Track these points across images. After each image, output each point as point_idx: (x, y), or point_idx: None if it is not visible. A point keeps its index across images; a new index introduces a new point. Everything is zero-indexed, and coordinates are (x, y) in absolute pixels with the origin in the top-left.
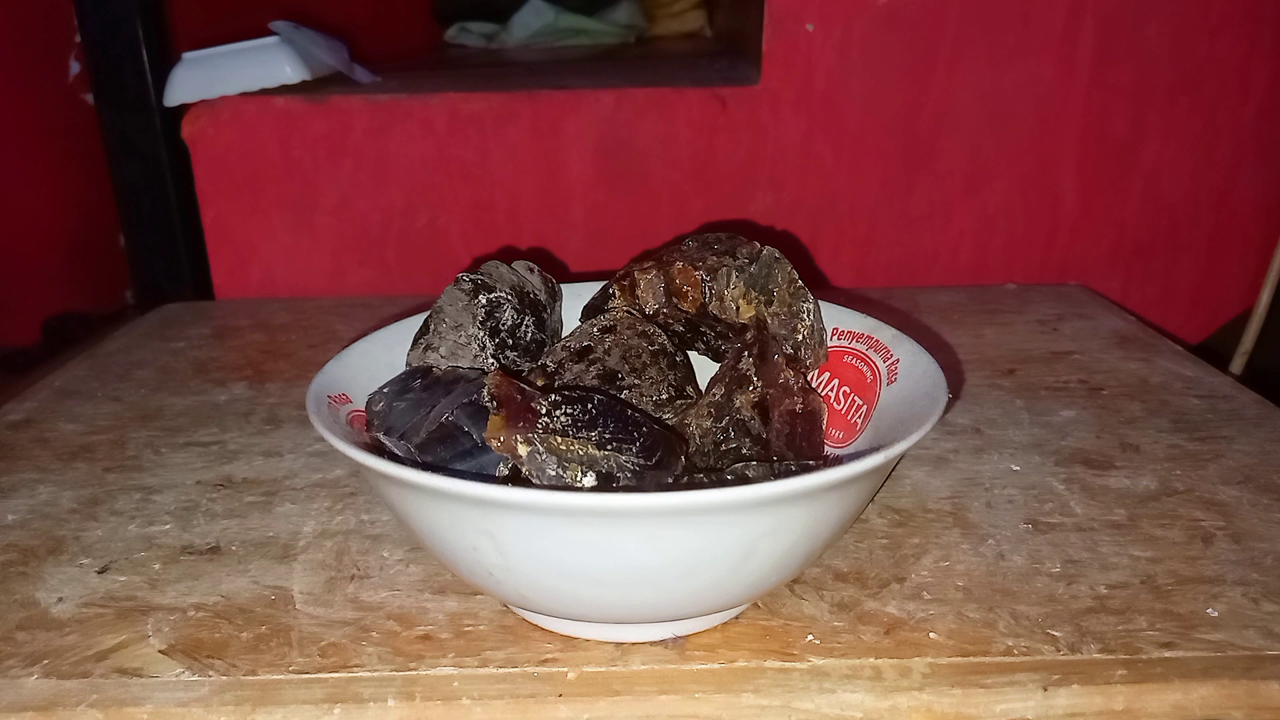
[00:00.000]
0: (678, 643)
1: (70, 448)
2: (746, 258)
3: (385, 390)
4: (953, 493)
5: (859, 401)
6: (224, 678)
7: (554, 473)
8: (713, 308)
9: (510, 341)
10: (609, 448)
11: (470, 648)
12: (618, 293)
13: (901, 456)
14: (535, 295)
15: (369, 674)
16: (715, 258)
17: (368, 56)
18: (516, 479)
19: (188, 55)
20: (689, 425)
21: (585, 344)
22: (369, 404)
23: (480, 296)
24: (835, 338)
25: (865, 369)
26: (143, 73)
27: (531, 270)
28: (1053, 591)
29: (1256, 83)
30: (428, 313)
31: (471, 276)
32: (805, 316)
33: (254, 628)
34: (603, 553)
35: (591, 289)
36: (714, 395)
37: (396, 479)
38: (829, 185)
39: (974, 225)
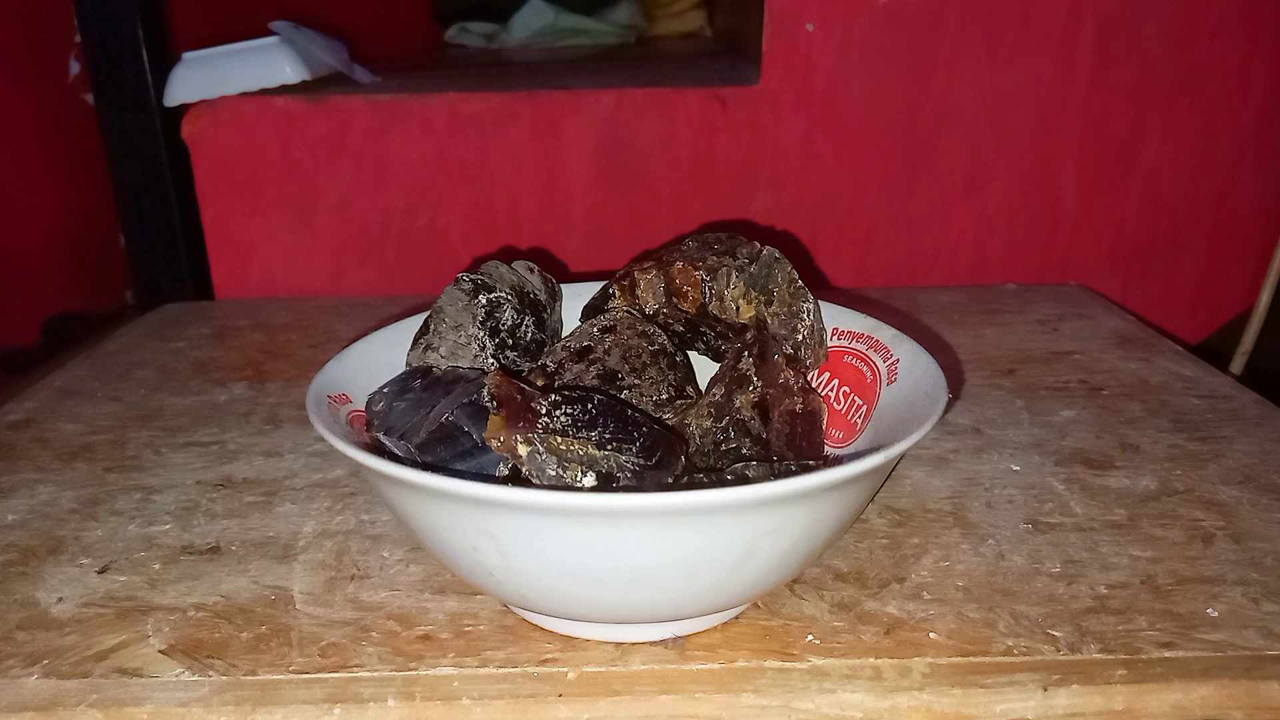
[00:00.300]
0: (678, 643)
1: (70, 448)
2: (746, 258)
3: (385, 390)
4: (953, 493)
5: (859, 401)
6: (224, 678)
7: (554, 473)
8: (713, 308)
9: (510, 341)
10: (609, 448)
11: (470, 648)
12: (618, 293)
13: (901, 456)
14: (535, 295)
15: (369, 674)
16: (715, 258)
17: (368, 56)
18: (516, 479)
19: (188, 55)
20: (689, 425)
21: (585, 344)
22: (369, 404)
23: (480, 296)
24: (835, 338)
25: (865, 369)
26: (143, 73)
27: (531, 270)
28: (1053, 591)
29: (1256, 83)
30: (428, 313)
31: (471, 276)
32: (805, 316)
33: (254, 628)
34: (603, 553)
35: (591, 289)
36: (714, 395)
37: (396, 479)
38: (829, 185)
39: (974, 225)
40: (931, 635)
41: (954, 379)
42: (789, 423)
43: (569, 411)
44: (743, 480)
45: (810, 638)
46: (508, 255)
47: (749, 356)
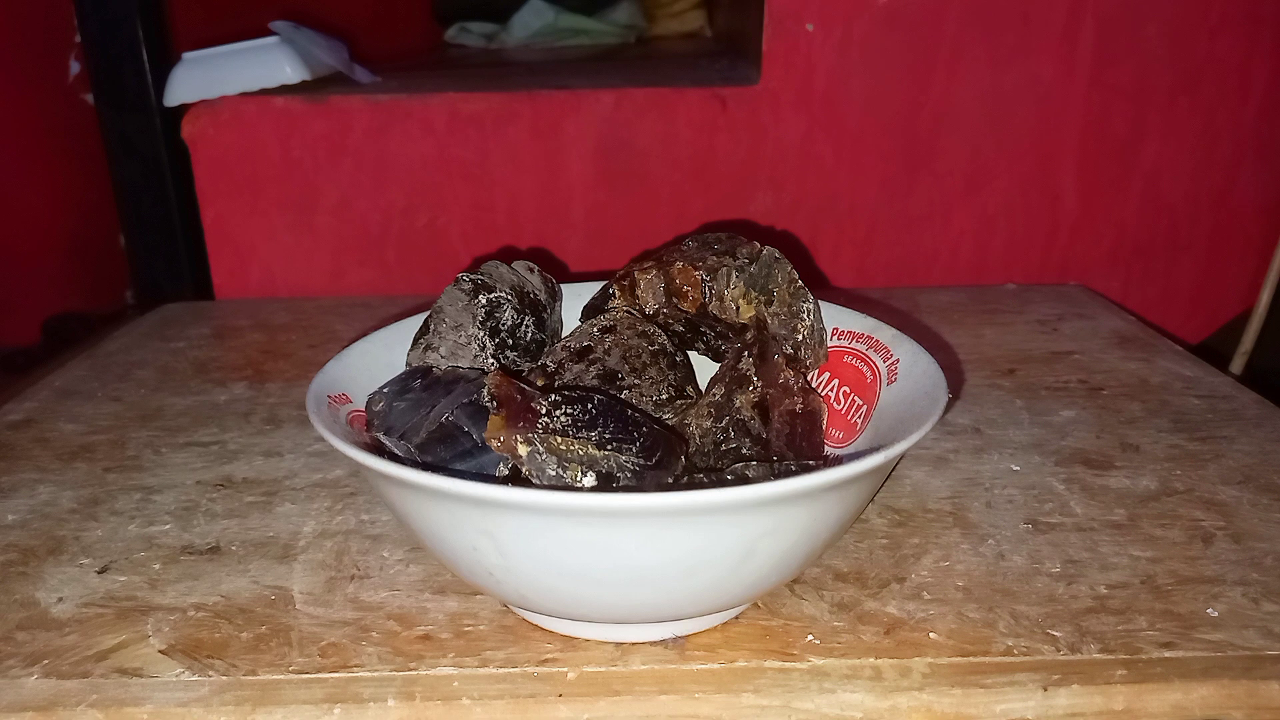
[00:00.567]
0: (678, 643)
1: (70, 448)
2: (746, 258)
3: (385, 390)
4: (953, 493)
5: (859, 401)
6: (224, 678)
7: (554, 473)
8: (713, 308)
9: (510, 341)
10: (609, 448)
11: (470, 648)
12: (618, 293)
13: (901, 456)
14: (535, 295)
15: (369, 674)
16: (715, 258)
17: (368, 56)
18: (516, 479)
19: (188, 55)
20: (689, 425)
21: (585, 344)
22: (369, 404)
23: (480, 296)
24: (835, 338)
25: (865, 369)
26: (143, 73)
27: (531, 270)
28: (1053, 591)
29: (1256, 83)
30: (428, 313)
31: (471, 276)
32: (805, 316)
33: (254, 628)
34: (603, 553)
35: (591, 289)
36: (714, 395)
37: (396, 479)
38: (829, 185)
39: (974, 225)
40: (931, 635)
41: (954, 379)
42: (789, 423)
43: (569, 411)
44: (743, 480)
45: (810, 638)
46: (508, 255)
47: (749, 356)
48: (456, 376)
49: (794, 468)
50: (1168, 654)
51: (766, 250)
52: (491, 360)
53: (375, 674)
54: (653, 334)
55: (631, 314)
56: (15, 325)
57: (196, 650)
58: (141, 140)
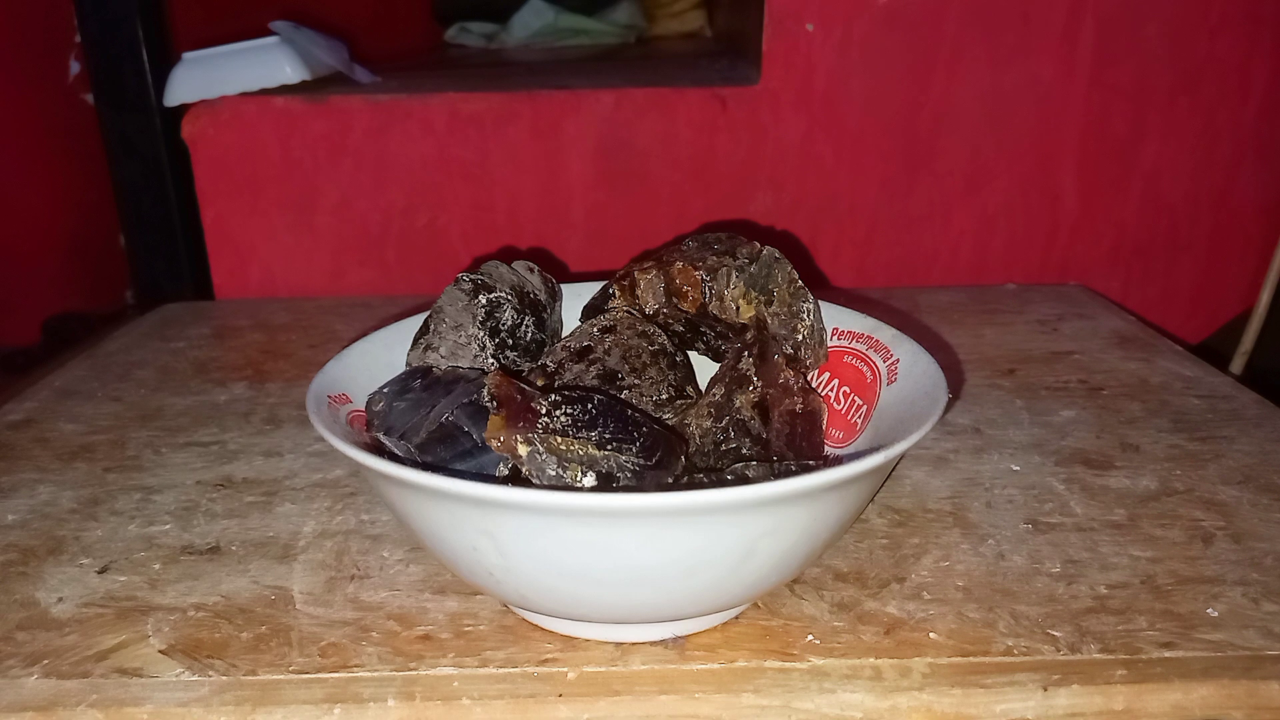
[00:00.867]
0: (678, 643)
1: (70, 448)
2: (746, 258)
3: (385, 390)
4: (953, 493)
5: (859, 401)
6: (224, 678)
7: (554, 473)
8: (713, 308)
9: (510, 341)
10: (609, 448)
11: (470, 648)
12: (618, 293)
13: (901, 456)
14: (535, 295)
15: (369, 674)
16: (715, 258)
17: (368, 56)
18: (516, 479)
19: (188, 55)
20: (689, 425)
21: (585, 344)
22: (369, 404)
23: (480, 296)
24: (835, 338)
25: (865, 369)
26: (143, 73)
27: (531, 270)
28: (1053, 591)
29: (1256, 83)
30: (428, 313)
31: (471, 276)
32: (805, 316)
33: (254, 628)
34: (603, 553)
35: (591, 289)
36: (714, 395)
37: (396, 479)
38: (829, 185)
39: (974, 225)
40: (931, 635)
41: (954, 379)
42: (789, 423)
43: (569, 411)
44: (743, 480)
45: (810, 638)
46: (508, 255)
47: (749, 356)
48: (456, 376)
49: (794, 468)
50: (1168, 654)
51: (766, 250)
52: (491, 360)
53: (375, 674)
54: (653, 334)
55: (631, 314)
56: (15, 325)
57: (196, 650)
58: (141, 140)
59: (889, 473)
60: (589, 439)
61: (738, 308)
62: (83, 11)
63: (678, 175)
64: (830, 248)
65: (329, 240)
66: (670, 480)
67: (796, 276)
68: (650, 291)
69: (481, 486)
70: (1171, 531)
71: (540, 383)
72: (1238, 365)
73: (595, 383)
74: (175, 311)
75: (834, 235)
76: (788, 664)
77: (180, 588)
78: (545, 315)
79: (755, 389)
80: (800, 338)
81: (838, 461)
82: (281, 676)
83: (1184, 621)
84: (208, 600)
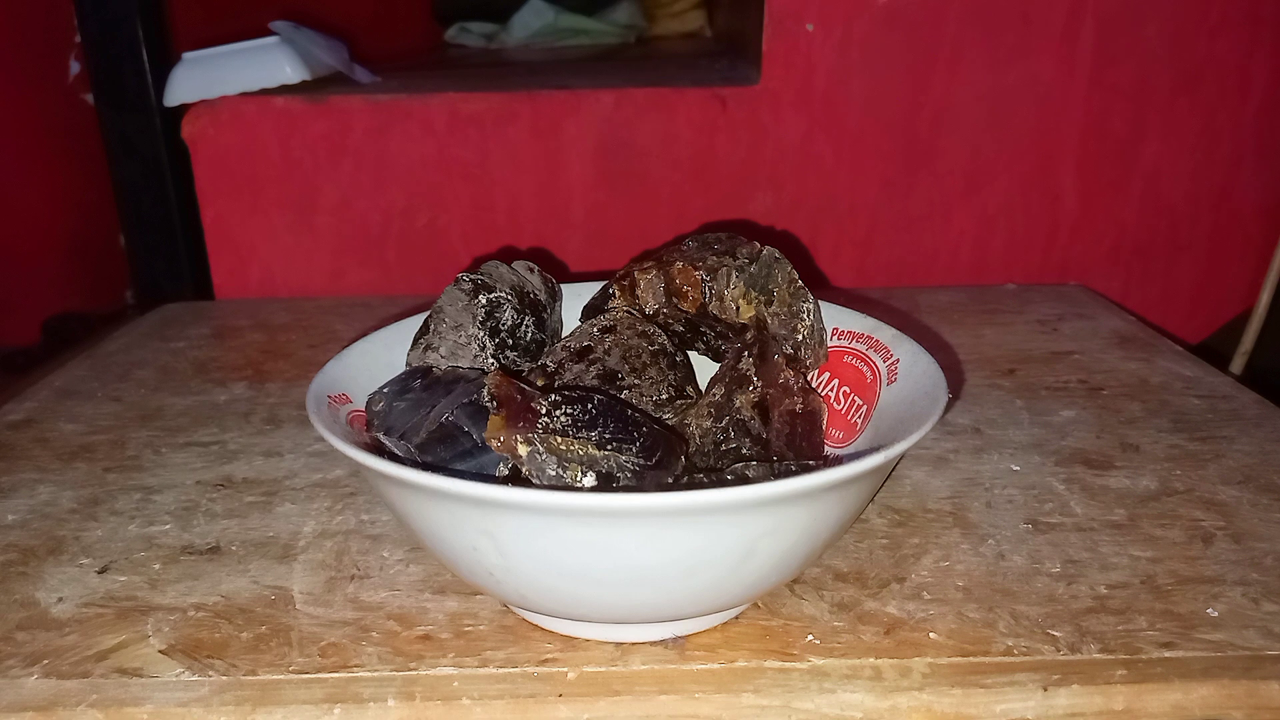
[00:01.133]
0: (678, 643)
1: (70, 448)
2: (746, 258)
3: (385, 390)
4: (953, 493)
5: (859, 401)
6: (224, 678)
7: (554, 473)
8: (713, 308)
9: (510, 341)
10: (609, 448)
11: (470, 648)
12: (618, 293)
13: (901, 456)
14: (535, 295)
15: (369, 674)
16: (715, 258)
17: (368, 56)
18: (516, 479)
19: (188, 55)
20: (689, 425)
21: (585, 344)
22: (369, 404)
23: (480, 296)
24: (835, 338)
25: (865, 369)
26: (143, 73)
27: (531, 270)
28: (1053, 591)
29: (1256, 83)
30: (428, 313)
31: (471, 276)
32: (805, 316)
33: (254, 628)
34: (603, 553)
35: (591, 289)
36: (714, 395)
37: (396, 479)
38: (829, 185)
39: (974, 225)
40: (931, 635)
41: (954, 379)
42: (789, 423)
43: (569, 411)
44: (743, 480)
45: (810, 638)
46: (508, 255)
47: (749, 356)
48: (456, 376)
49: (794, 468)
50: (1168, 654)
51: (766, 250)
52: (491, 360)
53: (375, 674)
54: (653, 334)
55: (631, 314)
56: (15, 325)
57: (196, 650)
58: (141, 140)
59: (889, 473)
60: (589, 439)
61: (738, 308)
62: (83, 11)
63: (678, 175)
64: (830, 248)
65: (329, 240)
66: (670, 480)
67: (796, 276)
68: (650, 291)
69: (481, 486)
70: (1171, 531)
71: (540, 383)
72: (1238, 365)
73: (595, 383)
74: (175, 311)
75: (834, 235)
76: (788, 664)
77: (180, 588)
78: (545, 315)
79: (755, 389)
80: (800, 338)
81: (838, 461)
82: (281, 676)
83: (1184, 621)
84: (208, 600)
